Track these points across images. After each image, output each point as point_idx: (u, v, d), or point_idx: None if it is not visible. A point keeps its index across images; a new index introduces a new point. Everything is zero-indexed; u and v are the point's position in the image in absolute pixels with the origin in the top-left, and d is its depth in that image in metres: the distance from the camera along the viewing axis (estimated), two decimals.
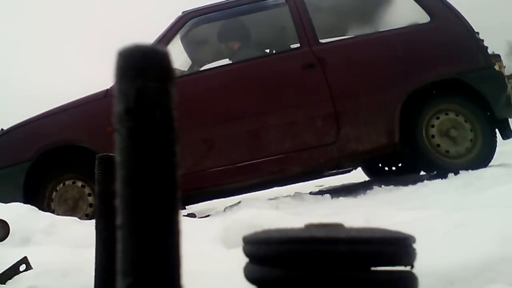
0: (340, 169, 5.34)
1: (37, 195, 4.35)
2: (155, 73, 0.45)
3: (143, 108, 0.45)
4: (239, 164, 4.49)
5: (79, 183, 4.49)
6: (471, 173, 4.17)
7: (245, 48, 5.05)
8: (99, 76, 4.71)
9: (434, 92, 4.68)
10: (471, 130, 4.59)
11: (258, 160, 4.50)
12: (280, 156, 4.51)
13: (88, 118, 4.54)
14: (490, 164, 4.62)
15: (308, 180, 5.41)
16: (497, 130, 4.76)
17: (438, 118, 4.61)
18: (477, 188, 3.36)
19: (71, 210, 4.32)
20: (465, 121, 4.61)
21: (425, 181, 4.23)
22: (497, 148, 4.89)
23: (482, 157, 4.54)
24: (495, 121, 4.66)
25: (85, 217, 4.27)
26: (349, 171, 5.92)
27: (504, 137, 4.78)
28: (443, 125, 4.59)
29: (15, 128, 4.64)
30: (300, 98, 4.56)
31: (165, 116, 0.46)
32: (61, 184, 4.48)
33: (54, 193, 4.47)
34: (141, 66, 0.45)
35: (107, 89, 4.60)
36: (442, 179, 4.17)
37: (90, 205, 4.43)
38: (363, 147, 4.57)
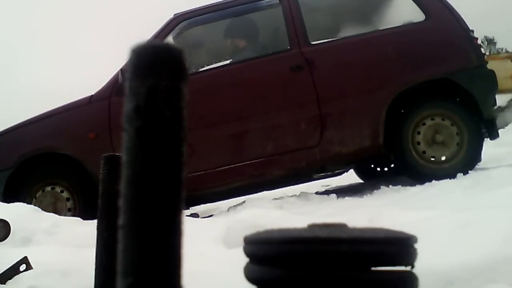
0: (326, 172, 5.27)
1: (17, 200, 4.31)
2: (167, 71, 0.45)
3: (153, 107, 0.44)
4: (219, 169, 4.46)
5: (48, 188, 4.47)
6: (479, 173, 4.16)
7: (248, 48, 5.02)
8: (109, 72, 4.68)
9: (424, 92, 4.61)
10: (453, 126, 4.52)
11: (238, 164, 4.45)
12: (260, 159, 4.46)
13: (71, 124, 4.54)
14: (499, 164, 4.58)
15: (293, 184, 5.30)
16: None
17: (424, 124, 4.54)
18: (485, 188, 3.34)
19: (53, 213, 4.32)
20: (446, 120, 4.54)
21: (433, 181, 4.21)
22: (505, 149, 4.84)
23: (468, 160, 4.46)
24: (482, 122, 4.60)
25: (69, 212, 4.29)
26: (340, 174, 5.84)
27: (491, 137, 4.72)
28: (429, 129, 4.51)
29: (1, 135, 4.63)
30: (285, 101, 4.51)
31: (175, 115, 0.45)
32: (33, 199, 4.45)
33: (34, 199, 4.45)
34: (153, 63, 0.45)
35: (92, 95, 4.59)
36: (450, 179, 4.14)
37: (68, 199, 4.44)
38: (347, 149, 4.52)
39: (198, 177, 4.38)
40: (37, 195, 4.45)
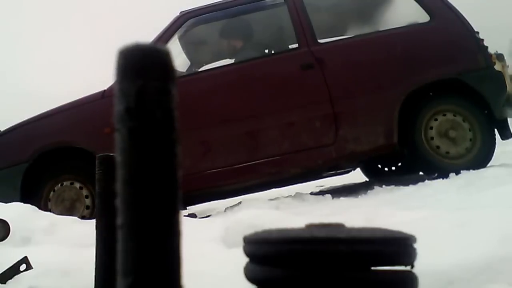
0: (339, 170, 5.32)
1: (34, 196, 4.33)
2: (156, 72, 0.45)
3: (143, 108, 0.45)
4: (236, 166, 4.48)
5: (77, 185, 4.48)
6: (472, 173, 4.16)
7: (246, 48, 5.03)
8: (101, 75, 4.68)
9: (433, 92, 4.66)
10: (469, 130, 4.57)
11: (255, 162, 4.48)
12: (277, 157, 4.49)
13: (85, 119, 4.54)
14: (491, 164, 4.60)
15: (306, 181, 5.37)
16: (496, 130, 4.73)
17: (436, 119, 4.59)
18: (478, 188, 3.35)
19: (68, 210, 4.31)
20: (464, 122, 4.59)
21: (426, 181, 4.22)
22: (499, 148, 4.84)
23: (481, 158, 4.51)
24: (494, 122, 4.64)
25: (81, 219, 4.28)
26: (347, 172, 5.90)
27: (503, 137, 4.75)
28: (442, 126, 4.57)
29: (13, 129, 4.63)
30: (298, 99, 4.54)
31: (166, 116, 0.45)
32: (59, 185, 4.46)
33: (51, 193, 4.46)
34: (142, 65, 0.45)
35: (104, 90, 4.60)
36: (443, 179, 4.16)
37: (87, 207, 4.42)
38: (361, 147, 4.55)
39: (215, 174, 4.40)
40: (64, 183, 4.46)
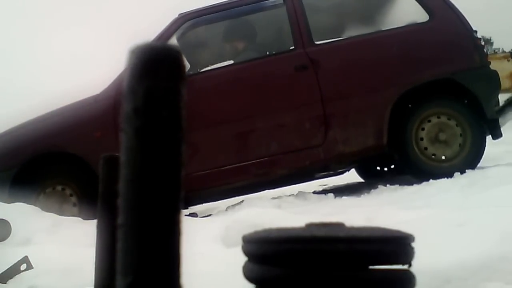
0: (329, 171, 5.27)
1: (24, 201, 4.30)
2: (165, 72, 0.45)
3: (151, 107, 0.45)
4: (223, 168, 4.47)
5: (59, 187, 4.47)
6: (476, 172, 4.15)
7: (245, 50, 5.03)
8: (108, 73, 4.66)
9: (427, 93, 4.63)
10: (460, 135, 4.54)
11: (243, 163, 4.47)
12: (265, 158, 4.47)
13: (77, 123, 4.52)
14: (496, 163, 4.58)
15: (297, 183, 5.30)
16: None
17: (429, 121, 4.56)
18: (482, 187, 3.33)
19: (58, 214, 4.30)
20: (449, 120, 4.55)
21: (431, 180, 4.21)
22: (504, 147, 4.83)
23: (471, 159, 4.47)
24: (485, 121, 4.60)
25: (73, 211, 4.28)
26: (341, 173, 5.85)
27: (494, 137, 4.73)
28: (433, 127, 4.54)
29: (3, 135, 4.62)
30: (290, 100, 4.53)
31: (173, 116, 0.45)
32: (42, 194, 4.44)
33: (40, 197, 4.44)
34: (151, 64, 0.45)
35: (97, 94, 4.60)
36: (447, 178, 4.14)
37: (74, 204, 4.40)
38: (350, 148, 4.53)
39: (202, 176, 4.39)
40: (47, 190, 4.43)
